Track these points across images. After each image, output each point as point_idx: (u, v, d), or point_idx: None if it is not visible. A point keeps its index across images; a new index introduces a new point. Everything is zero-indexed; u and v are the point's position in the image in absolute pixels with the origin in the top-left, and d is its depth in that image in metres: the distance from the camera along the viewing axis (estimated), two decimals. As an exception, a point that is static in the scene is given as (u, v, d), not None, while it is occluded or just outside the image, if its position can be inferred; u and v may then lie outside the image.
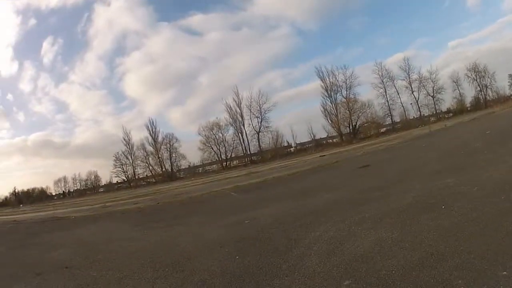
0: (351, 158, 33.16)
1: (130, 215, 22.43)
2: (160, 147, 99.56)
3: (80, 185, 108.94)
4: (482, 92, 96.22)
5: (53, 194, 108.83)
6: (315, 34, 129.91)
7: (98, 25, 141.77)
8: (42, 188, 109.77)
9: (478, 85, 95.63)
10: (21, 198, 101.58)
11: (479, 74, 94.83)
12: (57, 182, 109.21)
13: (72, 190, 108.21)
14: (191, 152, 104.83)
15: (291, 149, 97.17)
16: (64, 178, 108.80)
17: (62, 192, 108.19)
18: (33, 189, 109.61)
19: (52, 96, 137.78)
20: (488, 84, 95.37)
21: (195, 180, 64.80)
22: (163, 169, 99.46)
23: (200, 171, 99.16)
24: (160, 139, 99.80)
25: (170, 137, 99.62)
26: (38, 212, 41.46)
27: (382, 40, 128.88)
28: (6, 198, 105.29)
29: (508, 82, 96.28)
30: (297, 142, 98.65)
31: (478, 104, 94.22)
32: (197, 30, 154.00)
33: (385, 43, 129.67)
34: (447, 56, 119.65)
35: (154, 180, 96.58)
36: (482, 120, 47.52)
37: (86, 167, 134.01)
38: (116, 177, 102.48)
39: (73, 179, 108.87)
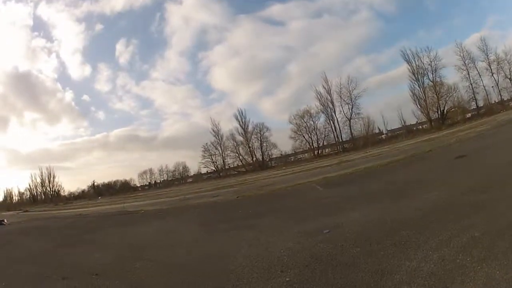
0: (444, 147, 30.61)
1: (203, 210, 22.17)
2: (251, 137, 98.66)
3: (167, 176, 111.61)
4: None
5: (138, 185, 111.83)
6: (395, 16, 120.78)
7: (174, 23, 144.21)
8: (125, 180, 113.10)
9: None
10: (100, 191, 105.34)
11: None
12: (142, 174, 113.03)
13: (158, 181, 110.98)
14: (283, 141, 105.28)
15: (383, 136, 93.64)
16: (150, 170, 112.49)
17: (148, 183, 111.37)
18: (115, 181, 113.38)
19: (134, 94, 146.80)
20: None
21: (286, 169, 63.70)
22: (254, 159, 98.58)
23: (292, 159, 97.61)
24: (250, 128, 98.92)
25: (261, 127, 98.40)
26: (112, 204, 42.51)
27: (456, 20, 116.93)
28: (83, 191, 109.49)
29: None
30: (388, 129, 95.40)
31: None
32: (278, 20, 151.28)
33: (460, 23, 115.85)
34: None
35: (244, 170, 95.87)
36: None
37: (173, 159, 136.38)
38: (204, 167, 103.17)
39: (159, 170, 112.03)
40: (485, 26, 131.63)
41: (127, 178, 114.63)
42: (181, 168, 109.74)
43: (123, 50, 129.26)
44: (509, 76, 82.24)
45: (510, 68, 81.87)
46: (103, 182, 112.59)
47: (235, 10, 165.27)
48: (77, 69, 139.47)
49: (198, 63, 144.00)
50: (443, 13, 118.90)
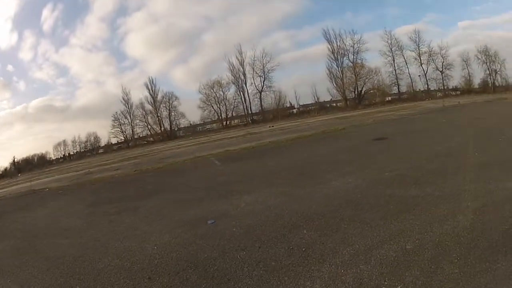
0: (360, 126, 29.34)
1: (99, 187, 20.34)
2: (159, 106, 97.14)
3: (80, 147, 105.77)
4: (491, 76, 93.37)
5: (53, 159, 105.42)
6: None
7: None
8: (42, 154, 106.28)
9: (488, 68, 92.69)
10: (20, 167, 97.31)
11: (490, 58, 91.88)
12: (56, 146, 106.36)
13: (72, 153, 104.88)
14: (192, 110, 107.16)
15: (294, 110, 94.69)
16: (64, 141, 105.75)
17: (63, 156, 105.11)
18: (33, 156, 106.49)
19: (53, 61, 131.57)
20: (498, 70, 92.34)
21: (192, 140, 63.92)
22: (162, 128, 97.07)
23: (200, 129, 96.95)
24: (159, 97, 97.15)
25: (170, 96, 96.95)
26: (26, 182, 38.49)
27: (392, 10, 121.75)
28: (5, 169, 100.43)
29: None
30: (300, 104, 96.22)
31: (486, 87, 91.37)
32: None
33: (396, 14, 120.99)
34: (457, 35, 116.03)
35: (152, 140, 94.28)
36: (497, 104, 43.06)
37: (87, 129, 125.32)
38: (114, 137, 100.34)
39: (72, 142, 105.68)
40: (423, 21, 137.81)
41: (44, 152, 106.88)
42: (92, 138, 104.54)
43: (48, 15, 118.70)
44: (440, 69, 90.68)
45: (442, 62, 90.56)
46: (23, 158, 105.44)
47: None
48: (6, 38, 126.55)
49: (116, 29, 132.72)
50: (377, 0, 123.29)
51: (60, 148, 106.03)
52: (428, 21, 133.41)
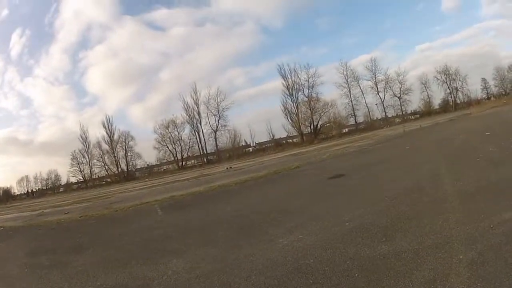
0: (315, 162, 27.68)
1: (43, 232, 19.33)
2: (116, 146, 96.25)
3: (41, 184, 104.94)
4: (452, 95, 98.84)
5: (16, 194, 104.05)
6: (280, 32, 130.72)
7: (65, 16, 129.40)
8: (7, 188, 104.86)
9: (448, 87, 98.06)
10: None
11: (450, 77, 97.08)
12: (19, 181, 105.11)
13: (34, 190, 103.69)
14: (148, 151, 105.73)
15: (250, 149, 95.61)
16: (26, 177, 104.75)
17: (26, 192, 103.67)
18: None
19: (18, 91, 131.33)
20: (459, 87, 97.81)
21: (147, 181, 62.68)
22: (119, 169, 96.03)
23: (157, 170, 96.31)
24: (116, 137, 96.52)
25: (126, 135, 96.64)
26: None
27: (349, 40, 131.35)
28: None
29: (481, 85, 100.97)
30: (256, 142, 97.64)
31: (447, 106, 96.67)
32: (160, 25, 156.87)
33: (352, 44, 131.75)
34: (415, 59, 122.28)
35: (110, 180, 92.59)
36: (462, 121, 44.28)
37: (49, 165, 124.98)
38: (73, 176, 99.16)
39: (34, 178, 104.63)
40: (380, 48, 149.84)
41: (8, 185, 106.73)
42: (53, 176, 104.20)
43: (17, 41, 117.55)
44: (398, 95, 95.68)
45: (400, 88, 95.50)
46: None
47: (124, 9, 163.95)
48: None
49: (78, 62, 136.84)
50: (334, 33, 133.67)
51: (23, 184, 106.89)
52: (386, 48, 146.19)
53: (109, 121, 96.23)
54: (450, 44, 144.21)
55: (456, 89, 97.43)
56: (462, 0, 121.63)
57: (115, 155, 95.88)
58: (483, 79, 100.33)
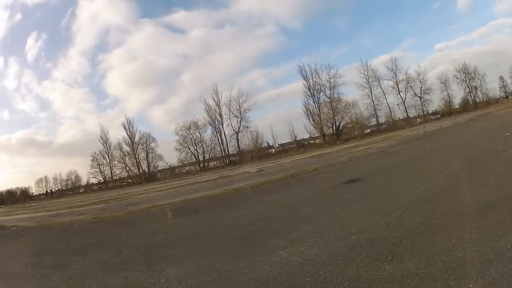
0: (334, 165, 26.98)
1: (52, 233, 19.38)
2: (137, 147, 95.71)
3: (61, 185, 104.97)
4: (472, 94, 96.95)
5: (35, 194, 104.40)
6: (300, 33, 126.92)
7: (82, 20, 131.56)
8: (25, 188, 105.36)
9: (468, 86, 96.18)
10: (3, 199, 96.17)
11: (469, 76, 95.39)
12: (38, 182, 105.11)
13: (54, 191, 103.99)
14: (170, 152, 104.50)
15: (272, 150, 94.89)
16: (45, 178, 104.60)
17: (45, 192, 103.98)
18: (16, 189, 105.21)
19: (35, 94, 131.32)
20: (478, 86, 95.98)
21: (167, 183, 60.95)
22: (140, 170, 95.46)
23: (179, 171, 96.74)
24: (137, 138, 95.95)
25: (147, 137, 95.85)
26: (4, 216, 40.41)
27: (367, 40, 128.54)
28: None
29: (499, 84, 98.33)
30: (278, 143, 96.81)
31: (467, 106, 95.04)
32: (179, 27, 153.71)
33: (371, 44, 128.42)
34: (434, 58, 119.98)
35: (130, 181, 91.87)
36: (482, 120, 43.29)
37: (68, 167, 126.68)
38: (93, 177, 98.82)
39: (54, 179, 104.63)
40: (399, 48, 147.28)
41: (26, 185, 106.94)
42: (73, 177, 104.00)
43: (32, 45, 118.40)
44: (419, 95, 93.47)
45: (421, 87, 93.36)
46: (7, 189, 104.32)
47: (141, 13, 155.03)
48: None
49: (97, 65, 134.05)
50: (353, 33, 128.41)
51: (42, 184, 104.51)
52: (405, 48, 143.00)
53: (130, 123, 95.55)
54: (467, 42, 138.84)
55: (476, 88, 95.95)
56: None
57: (136, 156, 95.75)
58: (501, 77, 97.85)
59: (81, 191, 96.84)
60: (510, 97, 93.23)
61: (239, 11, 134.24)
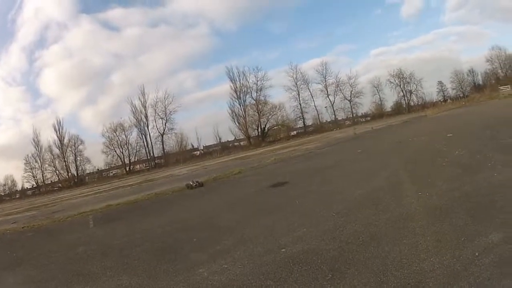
0: (259, 167, 26.12)
1: None
2: (66, 150, 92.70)
3: None
4: (406, 97, 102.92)
5: None
6: (233, 35, 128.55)
7: (26, 13, 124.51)
8: None
9: (402, 90, 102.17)
10: None
11: (404, 80, 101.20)
12: None
13: None
14: (98, 155, 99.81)
15: (197, 152, 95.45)
16: None
17: None
18: None
19: None
20: (413, 90, 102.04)
21: (94, 187, 61.84)
22: (69, 174, 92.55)
23: (107, 175, 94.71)
24: (66, 141, 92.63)
25: (76, 139, 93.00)
26: None
27: (302, 44, 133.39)
28: None
29: (437, 88, 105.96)
30: (203, 145, 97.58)
31: (400, 109, 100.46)
32: (115, 24, 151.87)
33: (306, 48, 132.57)
34: (369, 63, 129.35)
35: (61, 186, 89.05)
36: (418, 122, 43.96)
37: (7, 170, 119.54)
38: (27, 182, 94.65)
39: None
40: (334, 52, 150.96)
41: None
42: (9, 182, 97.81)
43: None
44: (348, 98, 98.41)
45: (351, 91, 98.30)
46: None
47: (81, 7, 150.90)
48: None
49: (34, 62, 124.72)
50: (287, 37, 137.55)
51: None
52: (339, 53, 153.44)
53: (60, 124, 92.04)
54: (407, 49, 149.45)
55: (411, 92, 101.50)
56: (424, 6, 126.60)
57: (65, 159, 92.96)
58: (440, 82, 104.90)
59: (17, 196, 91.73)
60: (449, 100, 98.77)
61: (175, 10, 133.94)
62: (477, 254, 5.27)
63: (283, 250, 6.96)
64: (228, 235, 9.22)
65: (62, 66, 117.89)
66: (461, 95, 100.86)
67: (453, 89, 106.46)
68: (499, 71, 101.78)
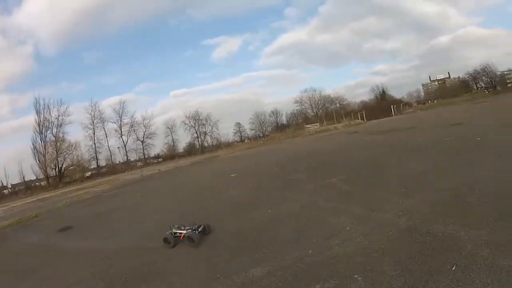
0: (53, 210, 26.59)
1: None
2: None
3: None
4: (200, 139, 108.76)
5: None
6: (52, 61, 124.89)
7: None
8: None
9: (196, 131, 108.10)
10: None
11: (199, 122, 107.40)
12: None
13: None
14: None
15: (6, 191, 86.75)
16: None
17: None
18: None
19: None
20: (208, 131, 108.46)
21: None
22: None
23: None
24: None
25: None
26: None
27: (109, 79, 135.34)
28: None
29: (234, 129, 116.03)
30: (11, 184, 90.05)
31: (193, 149, 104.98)
32: None
33: (110, 84, 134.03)
34: (168, 103, 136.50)
35: None
36: (207, 163, 47.47)
37: None
38: None
39: None
40: (134, 90, 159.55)
41: None
42: None
43: None
44: (141, 139, 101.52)
45: (145, 131, 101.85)
46: None
47: None
48: None
49: None
50: (97, 69, 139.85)
51: None
52: (141, 91, 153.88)
53: None
54: (211, 90, 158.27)
55: (205, 133, 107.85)
56: (239, 50, 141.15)
57: None
58: (238, 123, 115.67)
59: None
60: (246, 141, 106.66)
61: (14, 22, 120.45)
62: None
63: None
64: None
65: None
66: (261, 135, 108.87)
67: (252, 129, 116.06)
68: (309, 111, 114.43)
